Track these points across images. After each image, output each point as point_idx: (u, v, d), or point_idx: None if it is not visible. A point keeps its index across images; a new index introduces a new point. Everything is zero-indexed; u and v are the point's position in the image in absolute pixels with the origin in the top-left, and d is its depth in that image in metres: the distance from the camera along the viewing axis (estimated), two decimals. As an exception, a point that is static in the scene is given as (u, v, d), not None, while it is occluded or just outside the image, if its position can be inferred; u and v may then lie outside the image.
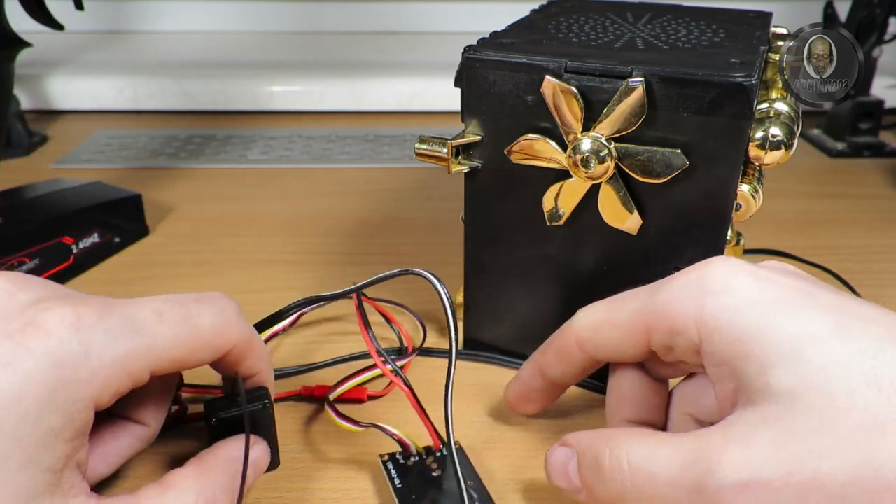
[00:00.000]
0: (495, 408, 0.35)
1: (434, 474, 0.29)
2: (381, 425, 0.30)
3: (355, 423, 0.31)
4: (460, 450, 0.31)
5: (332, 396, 0.32)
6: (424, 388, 0.30)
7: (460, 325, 0.39)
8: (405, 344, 0.38)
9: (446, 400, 0.28)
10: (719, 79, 0.28)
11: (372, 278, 0.29)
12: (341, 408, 0.35)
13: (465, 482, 0.28)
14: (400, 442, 0.30)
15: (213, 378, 0.35)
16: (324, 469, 0.31)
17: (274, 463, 0.31)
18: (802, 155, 0.66)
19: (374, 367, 0.32)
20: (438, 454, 0.30)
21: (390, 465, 0.30)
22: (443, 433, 0.29)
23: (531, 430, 0.33)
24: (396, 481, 0.29)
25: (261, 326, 0.33)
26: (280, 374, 0.36)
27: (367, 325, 0.30)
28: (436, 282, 0.29)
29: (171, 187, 0.59)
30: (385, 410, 0.34)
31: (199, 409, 0.34)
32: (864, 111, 0.66)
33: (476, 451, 0.32)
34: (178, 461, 0.31)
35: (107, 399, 0.23)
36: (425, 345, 0.38)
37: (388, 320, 0.40)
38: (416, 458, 0.30)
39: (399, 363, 0.36)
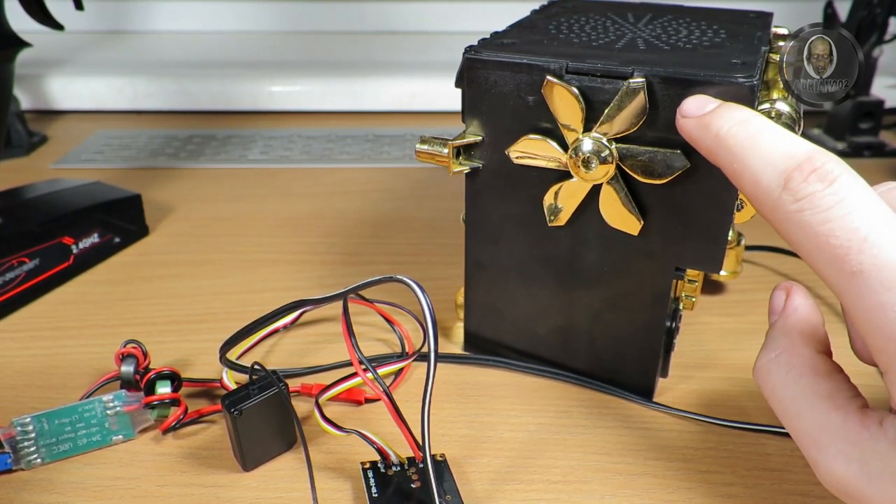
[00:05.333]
0: (492, 408, 0.35)
1: (414, 486, 0.29)
2: (363, 432, 0.30)
3: (339, 427, 0.31)
4: (443, 461, 0.31)
5: (321, 399, 0.32)
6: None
7: (459, 325, 0.39)
8: (407, 346, 0.38)
9: (423, 414, 0.28)
10: (720, 79, 0.28)
11: (356, 284, 0.29)
12: (335, 410, 0.35)
13: (443, 497, 0.28)
14: (380, 451, 0.30)
15: (213, 373, 0.35)
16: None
17: (290, 440, 0.32)
18: (803, 155, 0.66)
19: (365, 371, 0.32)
20: (420, 465, 0.30)
21: (370, 473, 0.30)
22: (427, 444, 0.28)
23: (528, 431, 0.33)
24: (374, 490, 0.29)
25: (252, 328, 0.33)
26: (283, 375, 0.36)
27: (350, 331, 0.30)
28: (418, 290, 0.28)
29: (171, 187, 0.59)
30: (382, 414, 0.34)
31: (198, 408, 0.34)
32: (864, 111, 0.66)
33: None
34: (178, 461, 0.32)
35: None
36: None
37: (390, 322, 0.40)
38: (398, 468, 0.30)
39: (398, 366, 0.36)
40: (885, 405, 0.22)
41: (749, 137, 0.23)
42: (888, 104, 0.68)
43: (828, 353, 0.25)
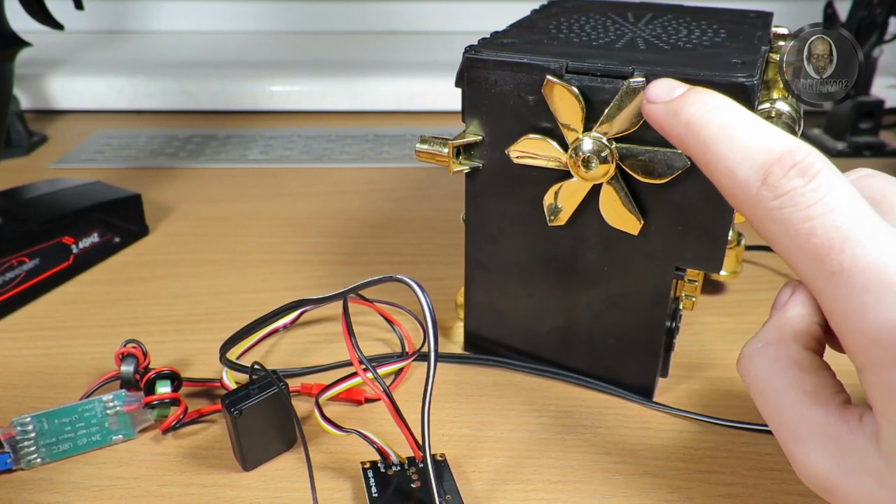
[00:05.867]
0: (492, 408, 0.35)
1: (413, 485, 0.29)
2: (363, 432, 0.30)
3: (339, 427, 0.31)
4: (443, 461, 0.31)
5: (321, 399, 0.32)
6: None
7: (459, 325, 0.39)
8: (407, 346, 0.38)
9: (423, 414, 0.28)
10: (721, 79, 0.28)
11: (356, 284, 0.29)
12: (335, 409, 0.35)
13: (443, 497, 0.28)
14: (380, 451, 0.30)
15: (213, 373, 0.35)
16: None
17: (290, 440, 0.32)
18: (803, 155, 0.66)
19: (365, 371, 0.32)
20: (420, 465, 0.30)
21: (370, 473, 0.30)
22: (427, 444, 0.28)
23: (528, 431, 0.33)
24: (374, 490, 0.29)
25: (252, 328, 0.33)
26: (283, 375, 0.36)
27: (350, 331, 0.30)
28: (418, 290, 0.28)
29: (171, 187, 0.59)
30: (382, 414, 0.34)
31: (198, 408, 0.34)
32: (864, 111, 0.66)
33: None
34: (178, 461, 0.32)
35: None
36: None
37: (389, 322, 0.40)
38: (398, 468, 0.30)
39: (398, 366, 0.36)
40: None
41: (724, 127, 0.22)
42: (888, 104, 0.68)
43: (818, 351, 0.24)
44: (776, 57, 0.32)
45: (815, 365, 0.23)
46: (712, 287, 0.45)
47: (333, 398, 0.34)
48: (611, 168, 0.30)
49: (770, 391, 0.23)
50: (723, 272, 0.40)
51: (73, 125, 0.74)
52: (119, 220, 0.49)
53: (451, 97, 0.33)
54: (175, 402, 0.33)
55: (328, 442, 0.33)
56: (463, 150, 0.33)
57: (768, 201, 0.21)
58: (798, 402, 0.22)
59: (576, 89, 0.29)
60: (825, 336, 0.24)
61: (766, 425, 0.33)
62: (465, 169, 0.33)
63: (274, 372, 0.31)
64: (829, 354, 0.24)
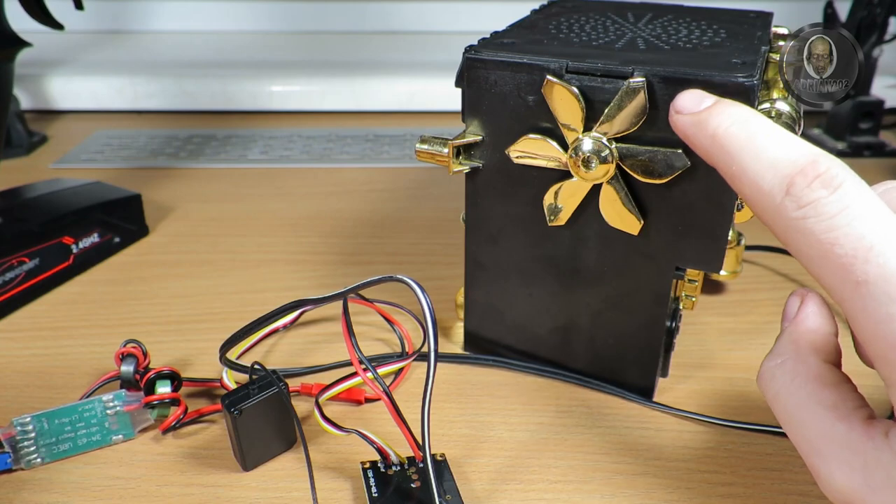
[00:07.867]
0: (492, 408, 0.35)
1: (414, 485, 0.29)
2: (363, 432, 0.30)
3: (339, 427, 0.31)
4: (443, 461, 0.31)
5: (321, 399, 0.32)
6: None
7: (459, 325, 0.39)
8: (407, 346, 0.38)
9: (423, 414, 0.28)
10: (721, 79, 0.28)
11: (356, 284, 0.29)
12: (335, 409, 0.35)
13: (443, 497, 0.28)
14: (380, 450, 0.30)
15: (213, 373, 0.35)
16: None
17: (290, 440, 0.32)
18: (803, 155, 0.66)
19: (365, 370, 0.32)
20: (420, 465, 0.30)
21: (370, 473, 0.30)
22: (427, 444, 0.28)
23: (528, 431, 0.33)
24: (374, 490, 0.29)
25: (252, 328, 0.33)
26: (283, 374, 0.36)
27: (350, 331, 0.30)
28: (418, 290, 0.28)
29: (171, 187, 0.59)
30: (382, 414, 0.34)
31: (198, 408, 0.34)
32: (864, 111, 0.66)
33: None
34: (178, 461, 0.32)
35: None
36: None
37: (390, 322, 0.40)
38: (398, 468, 0.30)
39: (398, 366, 0.36)
40: (888, 407, 0.22)
41: (749, 138, 0.22)
42: (888, 104, 0.68)
43: (837, 363, 0.24)
44: (776, 57, 0.32)
45: (835, 379, 0.23)
46: (712, 287, 0.45)
47: (333, 398, 0.34)
48: (611, 168, 0.30)
49: (792, 407, 0.23)
50: (723, 272, 0.40)
51: (73, 125, 0.74)
52: (119, 220, 0.49)
53: (450, 97, 0.33)
54: (175, 402, 0.33)
55: (328, 442, 0.33)
56: (463, 150, 0.33)
57: (791, 212, 0.21)
58: (820, 418, 0.22)
59: (576, 89, 0.29)
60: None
61: (767, 425, 0.33)
62: (465, 169, 0.33)
63: (274, 372, 0.31)
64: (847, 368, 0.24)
